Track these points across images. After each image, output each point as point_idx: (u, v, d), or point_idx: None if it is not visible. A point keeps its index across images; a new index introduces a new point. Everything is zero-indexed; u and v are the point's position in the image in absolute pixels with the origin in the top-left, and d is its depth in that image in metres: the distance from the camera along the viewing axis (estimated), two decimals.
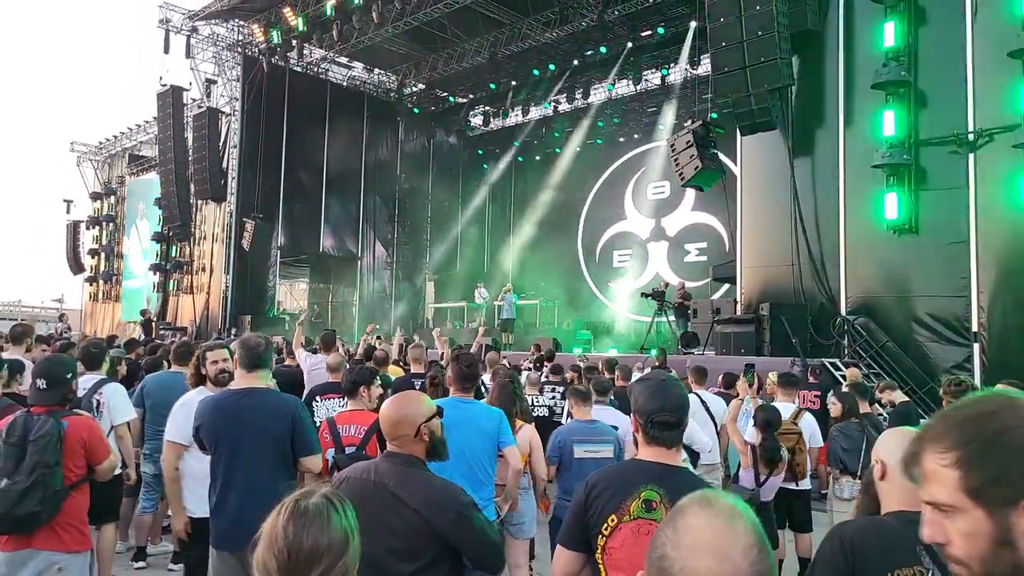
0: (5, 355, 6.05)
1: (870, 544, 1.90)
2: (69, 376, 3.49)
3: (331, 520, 1.37)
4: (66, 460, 3.29)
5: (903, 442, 1.86)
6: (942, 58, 11.10)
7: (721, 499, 1.02)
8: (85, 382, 5.07)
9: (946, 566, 1.80)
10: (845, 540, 1.93)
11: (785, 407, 5.69)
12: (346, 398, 4.35)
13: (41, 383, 3.36)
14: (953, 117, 10.79)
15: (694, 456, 5.62)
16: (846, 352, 11.53)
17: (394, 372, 7.06)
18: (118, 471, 5.01)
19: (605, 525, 2.16)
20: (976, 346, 10.39)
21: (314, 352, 7.78)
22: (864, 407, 6.06)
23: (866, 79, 11.57)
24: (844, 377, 9.62)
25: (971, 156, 10.64)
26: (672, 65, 20.40)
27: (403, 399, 2.54)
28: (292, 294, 27.20)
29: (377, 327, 17.59)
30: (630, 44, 19.62)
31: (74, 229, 29.14)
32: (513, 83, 22.25)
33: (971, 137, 10.59)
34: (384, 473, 2.36)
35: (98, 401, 4.94)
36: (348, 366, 5.29)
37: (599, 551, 2.16)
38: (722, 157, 14.08)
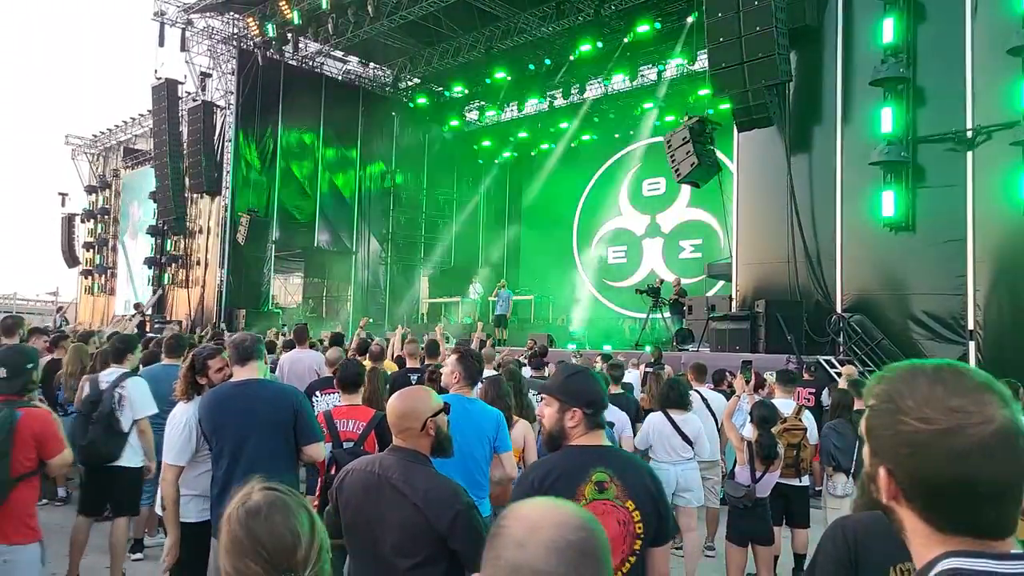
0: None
1: (873, 539, 1.91)
2: (30, 366, 3.46)
3: (286, 504, 1.37)
4: (16, 452, 3.23)
5: None
6: (941, 55, 11.10)
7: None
8: (108, 375, 5.07)
9: None
10: (848, 534, 1.94)
11: (785, 403, 5.69)
12: (342, 393, 4.31)
13: (1, 372, 3.33)
14: (952, 114, 10.80)
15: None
16: (841, 349, 11.54)
17: (389, 367, 7.04)
18: (140, 464, 5.03)
19: None
20: (971, 344, 10.43)
21: (289, 347, 7.75)
22: (860, 404, 6.07)
23: (864, 76, 11.57)
24: (839, 375, 9.63)
25: (969, 154, 10.66)
26: (669, 60, 20.36)
27: (411, 392, 2.53)
28: (287, 288, 27.12)
29: (371, 320, 17.53)
30: (626, 39, 19.56)
31: (69, 222, 29.00)
32: (509, 78, 22.18)
33: (969, 135, 10.61)
34: (388, 467, 2.35)
35: (120, 395, 4.93)
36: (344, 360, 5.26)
37: None
38: (718, 154, 14.09)
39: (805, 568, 2.12)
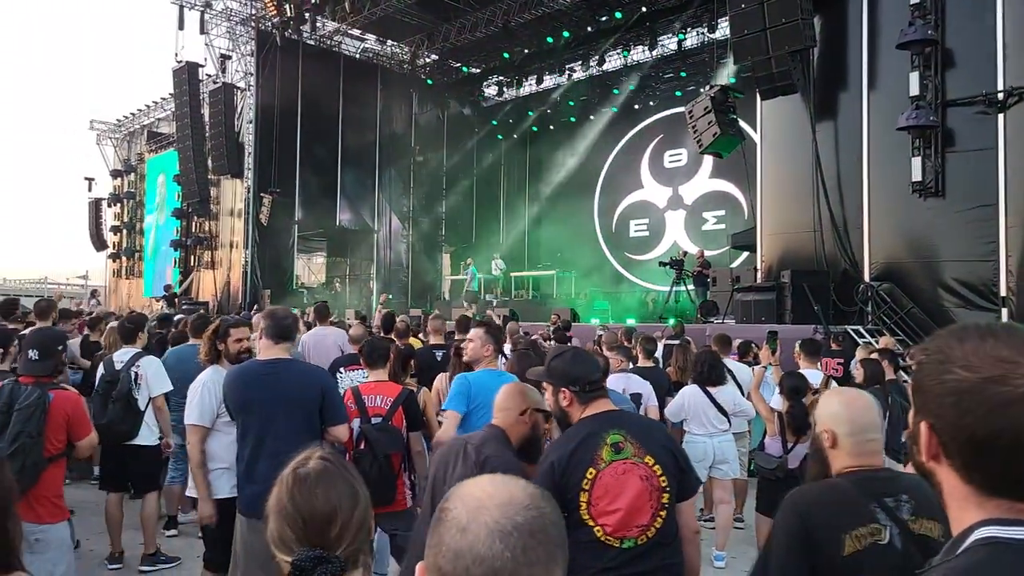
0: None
1: (824, 508, 1.93)
2: (60, 348, 3.52)
3: (334, 478, 1.38)
4: (48, 433, 3.29)
5: (845, 408, 2.01)
6: (971, 15, 10.78)
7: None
8: (122, 355, 5.18)
9: (903, 521, 1.83)
10: (800, 507, 1.95)
11: (811, 374, 5.63)
12: (369, 369, 4.34)
13: (33, 354, 3.38)
14: (982, 76, 10.52)
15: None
16: (870, 319, 11.40)
17: (413, 344, 7.07)
18: (158, 440, 5.14)
19: (585, 480, 2.30)
20: (1004, 311, 10.23)
21: (308, 327, 7.83)
22: (890, 373, 6.00)
23: (891, 39, 11.27)
24: (866, 344, 9.51)
25: (1000, 116, 10.38)
26: (689, 29, 20.00)
27: (524, 385, 2.69)
28: (310, 267, 27.31)
29: (390, 297, 17.63)
30: (645, 9, 19.23)
31: (96, 207, 29.37)
32: (527, 52, 21.94)
33: (1001, 96, 10.32)
34: (473, 436, 2.50)
35: (136, 373, 5.04)
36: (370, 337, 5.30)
37: (583, 507, 2.28)
38: (741, 123, 13.86)
39: (762, 547, 2.14)
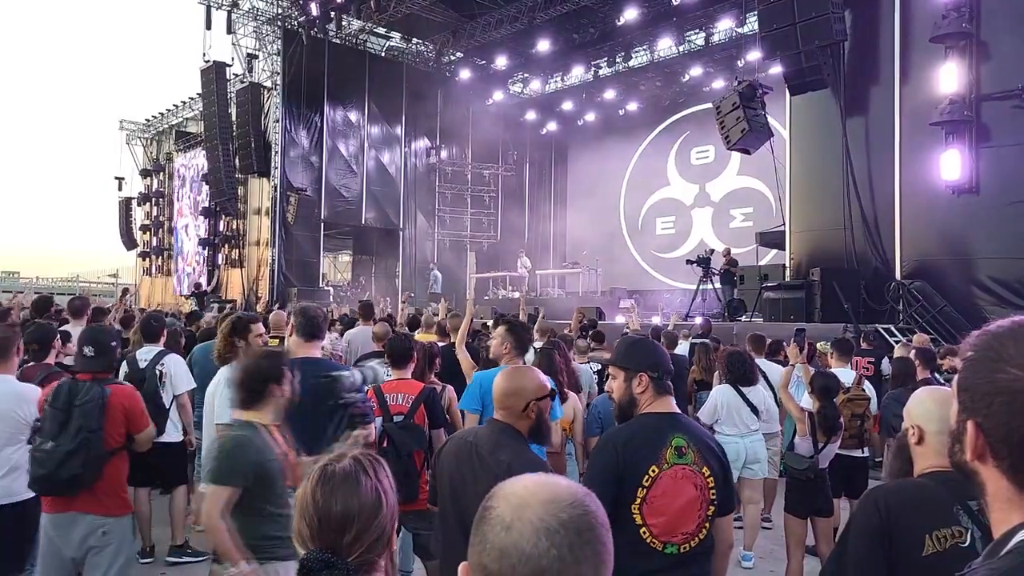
0: (68, 327, 6.26)
1: (907, 506, 1.90)
2: (114, 344, 3.57)
3: (360, 483, 1.35)
4: (107, 427, 3.35)
5: (937, 406, 1.91)
6: (1006, 8, 10.56)
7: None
8: (146, 353, 5.23)
9: (986, 525, 1.76)
10: (880, 503, 1.92)
11: (844, 373, 5.54)
12: (392, 367, 4.33)
13: (88, 350, 3.43)
14: (1018, 70, 10.28)
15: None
16: (901, 317, 11.19)
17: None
18: (182, 437, 5.21)
19: (646, 477, 2.24)
20: None
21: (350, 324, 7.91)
22: (924, 373, 5.86)
23: (924, 32, 11.05)
24: (898, 343, 9.32)
25: None
26: (717, 24, 19.79)
27: (519, 372, 2.56)
28: (335, 266, 27.51)
29: (413, 295, 17.65)
30: (672, 3, 19.06)
31: (126, 206, 29.82)
32: (552, 48, 21.87)
33: None
34: (481, 436, 2.40)
35: (160, 371, 5.09)
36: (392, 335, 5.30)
37: (637, 503, 2.24)
38: (770, 119, 13.68)
39: (837, 541, 2.10)
